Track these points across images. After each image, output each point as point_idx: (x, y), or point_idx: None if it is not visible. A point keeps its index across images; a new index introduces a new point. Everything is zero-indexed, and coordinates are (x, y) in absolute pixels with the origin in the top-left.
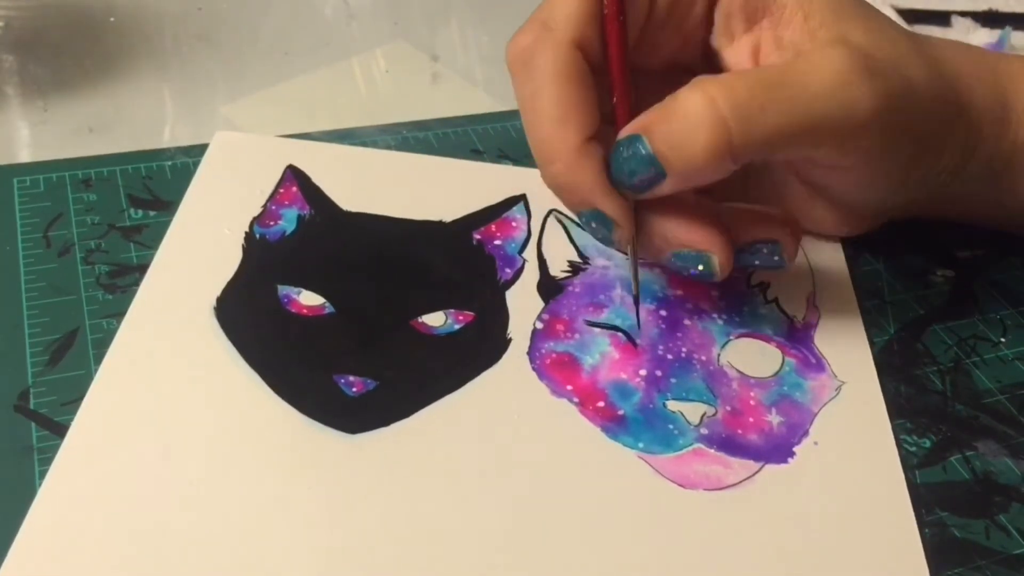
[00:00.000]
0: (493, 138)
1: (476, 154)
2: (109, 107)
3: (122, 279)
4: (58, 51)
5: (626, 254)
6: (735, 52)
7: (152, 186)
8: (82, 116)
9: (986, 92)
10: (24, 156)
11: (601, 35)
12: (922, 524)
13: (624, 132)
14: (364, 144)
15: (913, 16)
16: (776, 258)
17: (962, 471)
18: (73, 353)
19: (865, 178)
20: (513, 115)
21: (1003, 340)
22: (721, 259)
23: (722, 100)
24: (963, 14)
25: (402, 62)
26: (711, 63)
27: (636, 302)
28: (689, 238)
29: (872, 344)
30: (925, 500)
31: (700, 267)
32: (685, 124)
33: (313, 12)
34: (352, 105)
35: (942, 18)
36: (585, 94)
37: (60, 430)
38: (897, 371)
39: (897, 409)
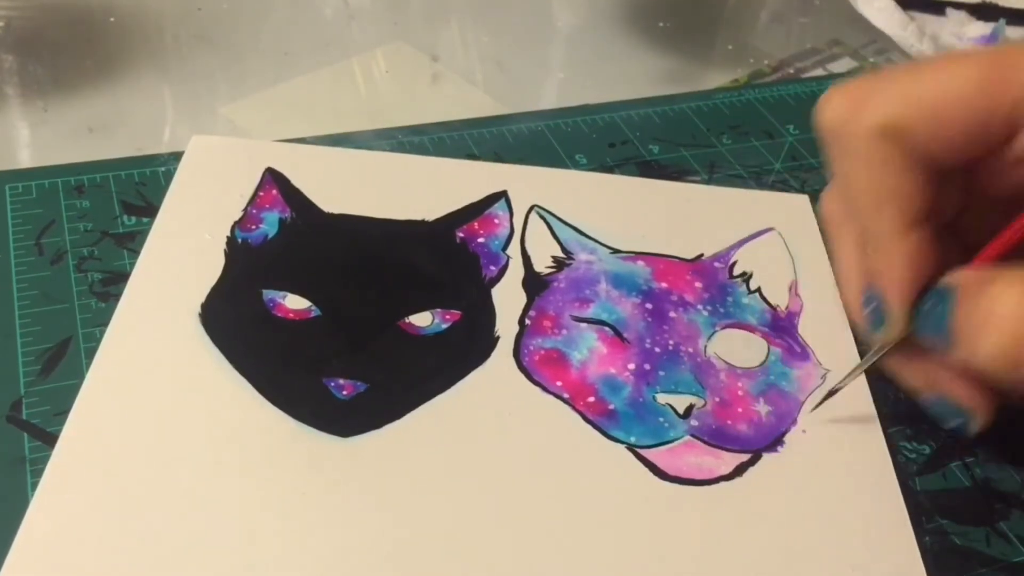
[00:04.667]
0: (490, 142)
1: (472, 158)
2: (109, 107)
3: (115, 287)
4: (58, 51)
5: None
6: None
7: (146, 192)
8: (82, 116)
9: None
10: (24, 156)
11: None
12: (922, 532)
13: (946, 281)
14: (360, 149)
15: (908, 1)
16: (959, 423)
17: (962, 478)
18: (66, 362)
19: None
20: (510, 119)
21: None
22: (982, 420)
23: None
24: (958, 6)
25: (402, 63)
26: None
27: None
28: (954, 390)
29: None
30: (925, 507)
31: (958, 421)
32: (986, 314)
33: (313, 12)
34: (352, 106)
35: (937, 7)
36: (908, 179)
37: (53, 440)
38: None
39: (896, 416)
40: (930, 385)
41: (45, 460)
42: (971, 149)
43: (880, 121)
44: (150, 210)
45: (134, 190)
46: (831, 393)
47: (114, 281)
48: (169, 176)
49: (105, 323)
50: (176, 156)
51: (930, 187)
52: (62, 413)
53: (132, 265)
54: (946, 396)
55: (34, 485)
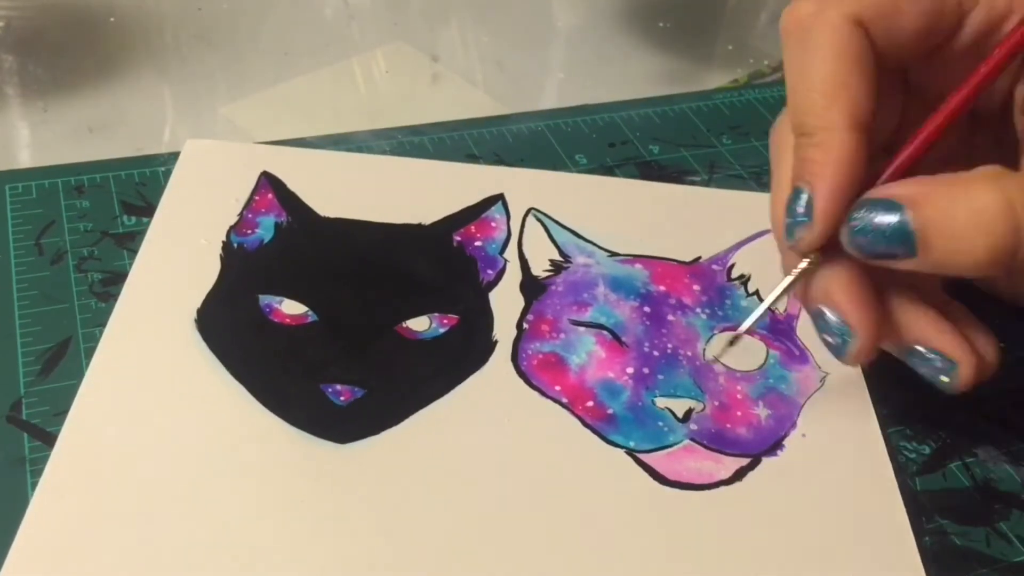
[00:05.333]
0: (489, 142)
1: (472, 158)
2: (109, 107)
3: (115, 287)
4: (58, 51)
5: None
6: None
7: (145, 192)
8: (82, 116)
9: None
10: (24, 156)
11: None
12: (922, 532)
13: (882, 192)
14: (359, 149)
15: None
16: (944, 378)
17: (962, 478)
18: (66, 362)
19: None
20: (510, 119)
21: (1002, 345)
22: (965, 372)
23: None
24: None
25: (402, 63)
26: (1006, 120)
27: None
28: (939, 343)
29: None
30: (925, 507)
31: (943, 378)
32: (968, 219)
33: (313, 12)
34: (352, 106)
35: None
36: (862, 77)
37: (53, 440)
38: (896, 377)
39: (896, 416)
40: (826, 300)
41: (45, 460)
42: (922, 42)
43: (848, 11)
44: (150, 210)
45: (134, 190)
46: (738, 335)
47: (114, 281)
48: (169, 176)
49: (105, 323)
50: (176, 156)
51: (876, 89)
52: (62, 413)
53: (132, 265)
54: (836, 311)
55: (34, 485)
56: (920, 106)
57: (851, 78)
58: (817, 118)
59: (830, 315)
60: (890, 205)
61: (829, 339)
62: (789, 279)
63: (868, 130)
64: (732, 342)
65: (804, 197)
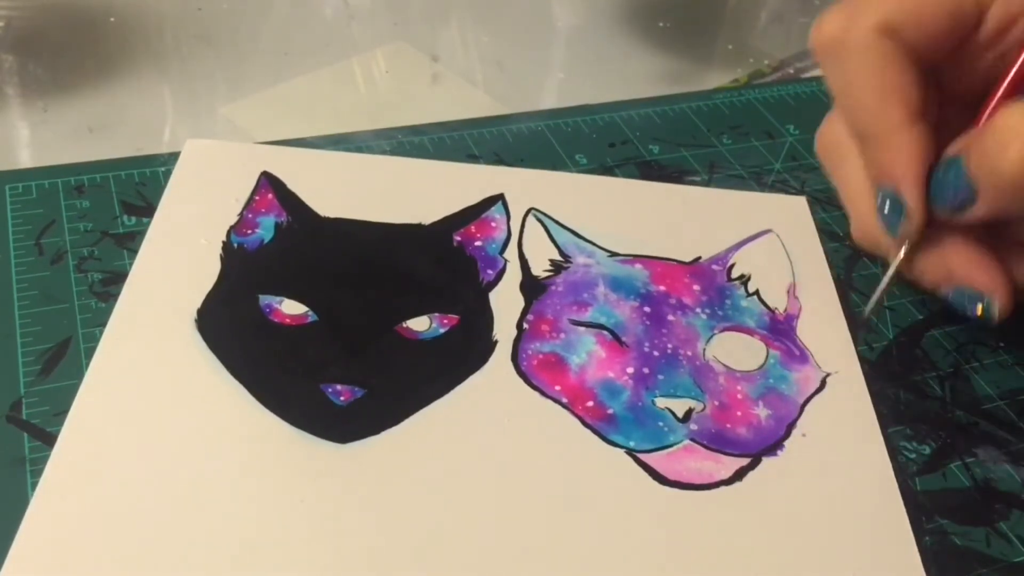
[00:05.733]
0: (489, 142)
1: (472, 158)
2: (109, 107)
3: (115, 287)
4: (58, 51)
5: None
6: None
7: (145, 192)
8: (82, 116)
9: None
10: (24, 156)
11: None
12: (922, 532)
13: (947, 152)
14: (359, 149)
15: None
16: (981, 306)
17: (962, 478)
18: (66, 362)
19: None
20: (510, 119)
21: (1002, 345)
22: (1002, 303)
23: None
24: None
25: (402, 63)
26: None
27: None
28: (973, 277)
29: (871, 349)
30: (925, 507)
31: (979, 307)
32: (996, 138)
33: (313, 12)
34: (352, 106)
35: None
36: (907, 74)
37: (53, 440)
38: (896, 377)
39: (896, 416)
40: (948, 278)
41: (45, 460)
42: (949, 40)
43: (876, 21)
44: (150, 210)
45: (134, 190)
46: (877, 305)
47: (114, 281)
48: (169, 176)
49: (105, 323)
50: (176, 156)
51: (923, 83)
52: (62, 413)
53: (132, 265)
54: (965, 284)
55: (34, 485)
56: (953, 105)
57: (897, 78)
58: (878, 123)
59: (965, 290)
60: (953, 162)
61: (973, 309)
62: (899, 258)
63: (927, 117)
64: (862, 325)
65: (892, 196)
